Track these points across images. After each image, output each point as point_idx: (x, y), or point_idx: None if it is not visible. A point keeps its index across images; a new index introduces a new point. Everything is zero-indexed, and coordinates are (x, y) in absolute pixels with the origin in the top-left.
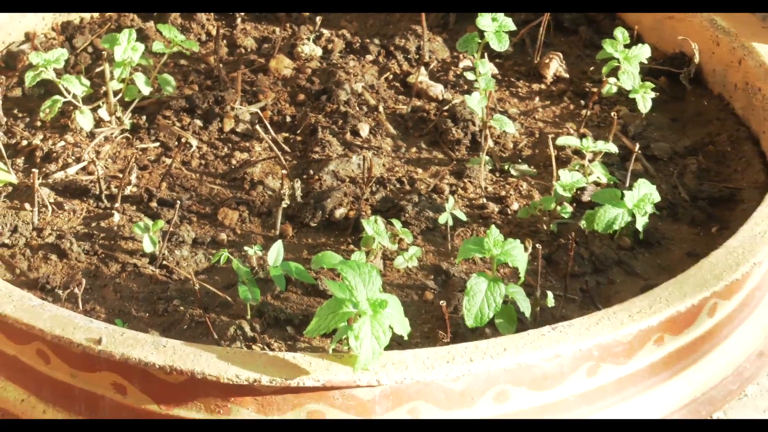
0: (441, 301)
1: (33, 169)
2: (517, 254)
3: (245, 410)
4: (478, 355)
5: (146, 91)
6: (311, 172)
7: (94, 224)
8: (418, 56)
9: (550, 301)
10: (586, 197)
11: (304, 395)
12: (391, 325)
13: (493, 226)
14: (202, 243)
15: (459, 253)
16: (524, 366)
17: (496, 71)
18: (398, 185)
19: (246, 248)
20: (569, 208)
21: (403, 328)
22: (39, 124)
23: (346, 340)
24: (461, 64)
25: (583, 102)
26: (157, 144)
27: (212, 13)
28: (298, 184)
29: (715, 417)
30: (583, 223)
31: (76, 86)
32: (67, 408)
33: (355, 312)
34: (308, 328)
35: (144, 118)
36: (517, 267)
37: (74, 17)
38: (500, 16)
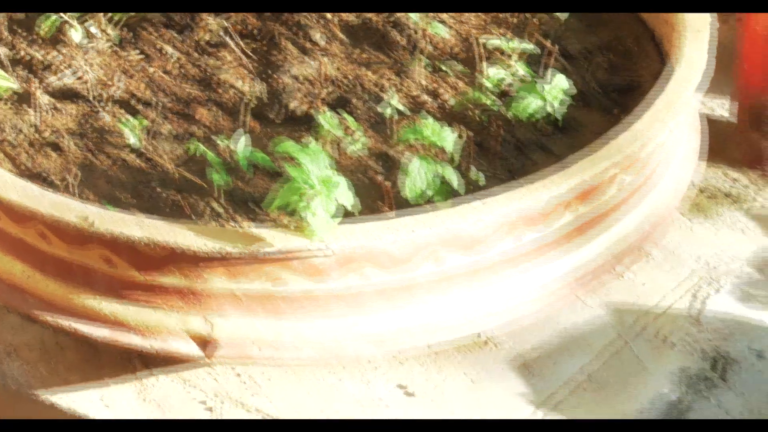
0: (386, 182)
1: (33, 77)
2: (450, 138)
3: (217, 277)
4: (417, 224)
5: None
6: (274, 75)
7: (87, 124)
8: None
9: (481, 179)
10: (511, 91)
11: (268, 263)
12: (340, 200)
13: (429, 115)
14: (180, 137)
15: (400, 138)
16: (456, 233)
17: None
18: (348, 84)
19: (216, 140)
20: (496, 101)
21: (351, 202)
22: (38, 39)
23: (302, 215)
24: None
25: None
26: (141, 55)
27: None
28: (262, 86)
29: (618, 271)
30: (508, 113)
31: None
32: (66, 280)
33: (309, 190)
34: (265, 202)
35: (129, 32)
36: (450, 150)
37: None
38: None
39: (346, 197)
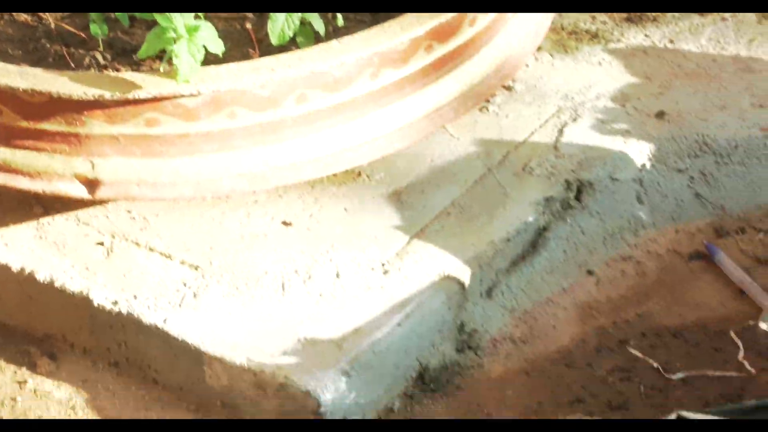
0: (249, 25)
1: None
2: None
3: (97, 122)
4: (279, 65)
5: None
6: None
7: None
8: None
9: (340, 21)
10: None
11: (142, 106)
12: (206, 45)
13: None
14: None
15: None
16: (318, 73)
17: None
18: None
19: None
20: None
21: (217, 47)
22: None
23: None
24: None
25: None
26: None
27: None
28: None
29: (484, 106)
30: None
31: None
32: None
33: (175, 36)
34: (140, 51)
35: None
36: None
37: None
38: None
39: (214, 43)
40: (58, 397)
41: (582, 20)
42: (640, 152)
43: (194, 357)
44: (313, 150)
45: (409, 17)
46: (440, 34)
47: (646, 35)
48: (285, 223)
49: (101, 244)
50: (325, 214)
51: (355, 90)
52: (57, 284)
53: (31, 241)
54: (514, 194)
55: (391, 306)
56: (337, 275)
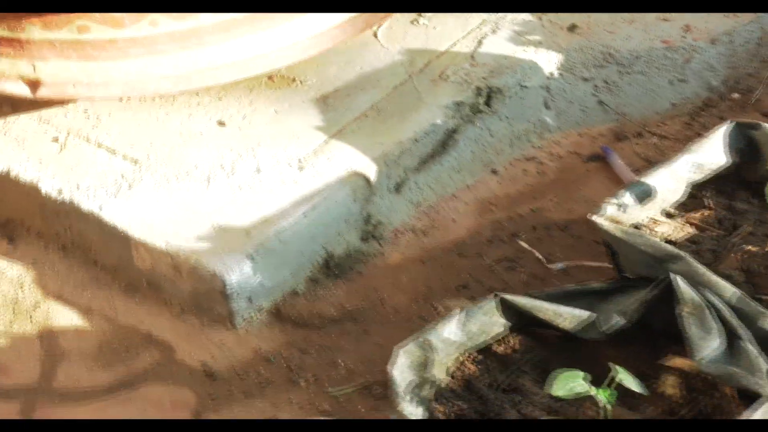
0: None
1: None
2: None
3: (35, 28)
4: None
5: None
6: None
7: None
8: None
9: None
10: None
11: (73, 13)
12: None
13: None
14: None
15: None
16: None
17: None
18: None
19: None
20: None
21: None
22: None
23: None
24: None
25: None
26: None
27: None
28: None
29: (415, 19)
30: None
31: None
32: None
33: None
34: None
35: None
36: None
37: None
38: None
39: None
40: (10, 276)
41: None
42: (549, 61)
43: (124, 241)
44: (230, 55)
45: None
46: None
47: None
48: (220, 123)
49: (56, 140)
50: (257, 115)
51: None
52: (12, 174)
53: None
54: (428, 99)
55: (300, 198)
56: (258, 170)
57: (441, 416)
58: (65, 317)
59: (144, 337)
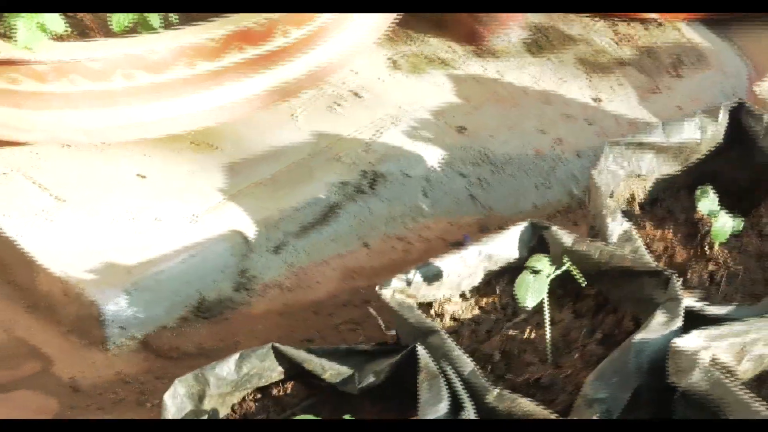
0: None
1: None
2: None
3: None
4: (99, 47)
5: None
6: None
7: None
8: None
9: (175, 19)
10: None
11: (5, 66)
12: (44, 22)
13: None
14: None
15: None
16: (139, 55)
17: None
18: None
19: None
20: None
21: (57, 26)
22: None
23: None
24: None
25: None
26: None
27: None
28: None
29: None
30: None
31: None
32: None
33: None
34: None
35: None
36: None
37: None
38: None
39: (56, 23)
40: None
41: (440, 50)
42: (432, 156)
43: (31, 266)
44: (140, 116)
45: (217, 21)
46: (251, 38)
47: (483, 66)
48: (140, 176)
49: (5, 174)
50: (174, 173)
51: (174, 74)
52: None
53: None
54: (318, 175)
55: (183, 247)
56: (157, 219)
57: None
58: None
59: (31, 350)
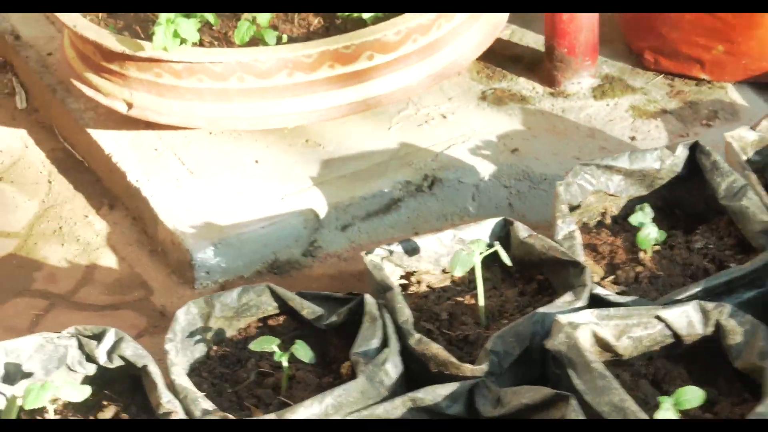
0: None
1: None
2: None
3: (133, 68)
4: (222, 55)
5: None
6: None
7: None
8: None
9: (285, 40)
10: None
11: (151, 63)
12: (178, 30)
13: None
14: None
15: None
16: (249, 63)
17: None
18: None
19: None
20: None
21: (190, 35)
22: None
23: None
24: None
25: None
26: None
27: None
28: None
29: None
30: None
31: None
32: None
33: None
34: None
35: None
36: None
37: None
38: None
39: (189, 33)
40: (96, 227)
41: (524, 89)
42: (485, 169)
43: (155, 220)
44: (249, 112)
45: (318, 42)
46: (341, 58)
47: (552, 104)
48: (256, 161)
49: (156, 149)
50: (282, 161)
51: (277, 80)
52: (120, 167)
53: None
54: (390, 174)
55: (267, 216)
56: (256, 194)
57: (213, 353)
58: (108, 258)
59: (142, 283)
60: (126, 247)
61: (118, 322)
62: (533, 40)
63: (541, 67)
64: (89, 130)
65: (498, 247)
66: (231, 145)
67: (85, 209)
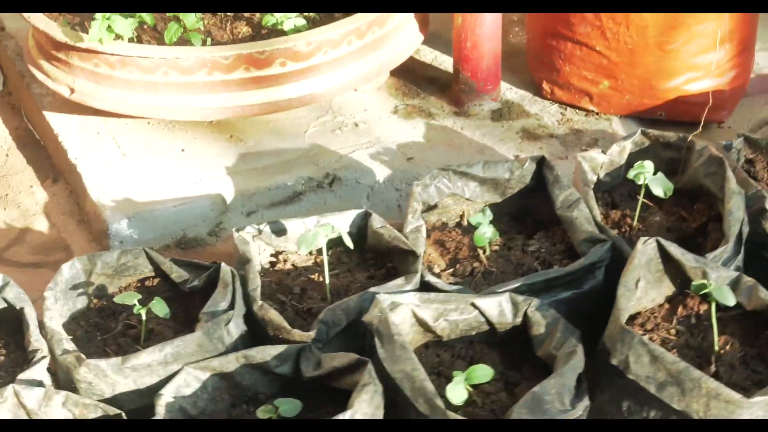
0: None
1: None
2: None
3: (76, 57)
4: (152, 51)
5: None
6: None
7: None
8: None
9: (209, 42)
10: None
11: (90, 53)
12: (110, 25)
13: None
14: None
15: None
16: (173, 60)
17: None
18: None
19: None
20: None
21: (123, 30)
22: None
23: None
24: None
25: None
26: None
27: None
28: None
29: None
30: None
31: None
32: None
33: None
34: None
35: None
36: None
37: None
38: None
39: (123, 29)
40: (38, 197)
41: (433, 106)
42: (381, 173)
43: (85, 193)
44: (174, 103)
45: (342, 20)
46: (361, 32)
47: (454, 122)
48: (182, 150)
49: (98, 133)
50: (204, 152)
51: (197, 77)
52: (63, 145)
53: (72, 126)
54: (295, 170)
55: (180, 197)
56: (176, 178)
57: (93, 306)
58: (41, 224)
59: (65, 247)
60: (59, 215)
61: (36, 278)
62: (451, 65)
63: (451, 88)
64: (45, 113)
65: (342, 231)
66: (163, 134)
67: (31, 181)
